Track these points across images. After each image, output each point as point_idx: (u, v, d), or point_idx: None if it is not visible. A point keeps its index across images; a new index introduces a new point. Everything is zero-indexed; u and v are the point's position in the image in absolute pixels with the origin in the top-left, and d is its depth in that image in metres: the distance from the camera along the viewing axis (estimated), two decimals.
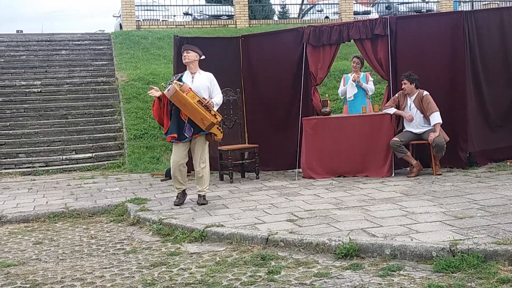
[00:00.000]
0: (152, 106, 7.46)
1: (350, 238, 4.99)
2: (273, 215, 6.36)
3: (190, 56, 7.34)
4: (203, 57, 7.52)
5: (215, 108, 7.25)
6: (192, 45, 7.67)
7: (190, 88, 7.06)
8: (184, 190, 7.44)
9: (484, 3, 26.57)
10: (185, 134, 7.11)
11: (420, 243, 4.75)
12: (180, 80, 7.25)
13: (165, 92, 7.01)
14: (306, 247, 5.10)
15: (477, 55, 8.99)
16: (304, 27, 9.91)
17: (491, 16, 9.05)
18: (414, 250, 4.67)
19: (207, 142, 7.32)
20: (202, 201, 7.31)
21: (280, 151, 9.97)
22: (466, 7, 28.31)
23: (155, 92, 7.15)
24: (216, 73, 9.98)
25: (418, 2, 28.74)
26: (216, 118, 7.12)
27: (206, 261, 5.05)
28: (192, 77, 7.34)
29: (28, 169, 11.94)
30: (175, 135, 7.10)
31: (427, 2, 28.69)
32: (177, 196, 7.46)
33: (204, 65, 9.90)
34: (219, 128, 7.29)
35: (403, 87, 8.73)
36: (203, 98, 7.13)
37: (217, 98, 7.38)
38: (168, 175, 9.54)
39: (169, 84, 7.07)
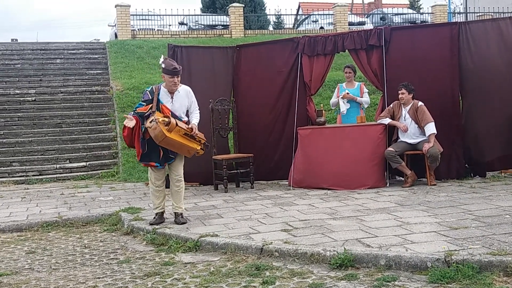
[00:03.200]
0: (123, 131, 6.67)
1: (345, 249, 4.97)
2: (268, 225, 6.34)
3: (179, 81, 6.68)
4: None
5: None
6: (179, 67, 6.77)
7: (176, 122, 6.41)
8: (162, 213, 6.88)
9: (478, 14, 26.74)
10: (170, 156, 6.61)
11: (415, 253, 4.75)
12: (158, 101, 6.55)
13: (150, 131, 6.33)
14: (300, 257, 5.08)
15: (476, 66, 8.96)
16: (299, 37, 9.93)
17: (489, 27, 9.01)
18: (409, 260, 4.66)
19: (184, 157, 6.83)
20: (181, 220, 6.71)
21: (275, 160, 9.94)
22: (460, 18, 28.50)
23: (130, 122, 6.41)
24: (211, 83, 10.08)
25: (413, 13, 28.95)
26: (201, 143, 6.66)
27: (200, 271, 5.02)
28: (171, 97, 6.65)
29: (21, 177, 11.89)
30: (154, 164, 6.59)
31: (421, 14, 28.90)
32: (155, 216, 6.84)
33: (198, 75, 9.98)
34: (202, 148, 6.75)
35: (400, 96, 8.75)
36: (189, 128, 6.54)
37: (196, 117, 6.79)
38: None
39: (152, 121, 6.30)
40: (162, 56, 6.93)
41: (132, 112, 6.64)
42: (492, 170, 9.05)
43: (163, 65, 6.68)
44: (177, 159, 6.74)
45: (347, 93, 9.61)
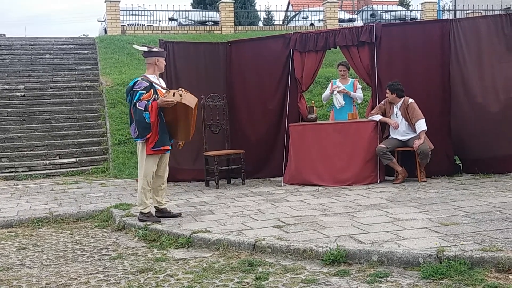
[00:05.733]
0: (151, 118, 6.41)
1: (337, 245, 4.98)
2: (260, 221, 6.34)
3: None
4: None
5: None
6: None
7: None
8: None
9: (467, 12, 26.86)
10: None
11: (407, 249, 4.77)
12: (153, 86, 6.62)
13: (186, 97, 6.46)
14: (293, 253, 5.09)
15: (466, 63, 8.99)
16: (291, 33, 9.94)
17: (480, 24, 9.02)
18: (401, 256, 4.68)
19: None
20: (176, 213, 6.94)
21: (266, 157, 9.95)
22: (449, 15, 28.63)
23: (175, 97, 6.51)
24: (202, 79, 10.06)
25: (403, 10, 29.03)
26: None
27: (192, 267, 5.01)
28: (159, 82, 6.77)
29: (11, 173, 11.80)
30: (168, 147, 6.65)
31: (411, 11, 28.98)
32: (148, 214, 6.72)
33: (190, 71, 9.96)
34: None
35: (386, 95, 8.82)
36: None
37: None
38: None
39: (176, 92, 6.53)
40: (142, 44, 6.91)
41: (146, 102, 6.41)
42: (483, 171, 8.87)
43: (155, 49, 6.78)
44: (168, 154, 6.84)
45: (338, 87, 9.59)
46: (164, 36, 19.43)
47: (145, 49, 6.73)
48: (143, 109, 6.40)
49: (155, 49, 6.79)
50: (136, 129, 6.51)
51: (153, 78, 6.69)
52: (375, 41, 9.21)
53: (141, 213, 6.73)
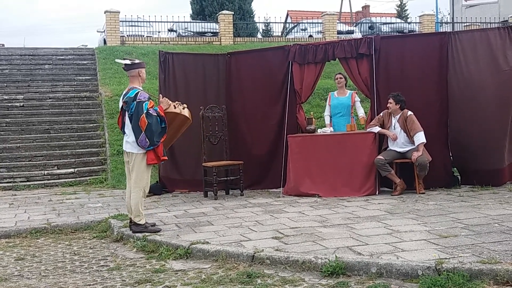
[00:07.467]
0: (165, 117, 6.66)
1: (336, 256, 4.98)
2: (259, 233, 6.34)
3: None
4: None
5: None
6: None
7: None
8: None
9: (465, 24, 27.00)
10: None
11: (406, 261, 4.77)
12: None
13: (186, 111, 7.00)
14: (292, 265, 5.09)
15: (463, 75, 9.00)
16: (290, 45, 9.98)
17: (478, 37, 9.06)
18: (400, 268, 4.69)
19: None
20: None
21: (265, 168, 9.94)
22: (447, 28, 28.76)
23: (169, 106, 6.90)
24: (202, 90, 10.10)
25: (401, 22, 29.15)
26: None
27: (191, 279, 5.01)
28: None
29: (9, 184, 11.79)
30: (166, 158, 6.89)
31: (409, 23, 29.11)
32: (146, 224, 6.78)
33: (189, 81, 10.00)
34: None
35: (388, 105, 8.83)
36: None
37: None
38: (152, 191, 9.38)
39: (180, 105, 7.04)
40: (123, 58, 6.99)
41: (153, 110, 6.55)
42: (481, 183, 8.86)
43: (136, 61, 6.86)
44: None
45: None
46: (163, 47, 19.47)
47: (128, 61, 6.76)
48: (156, 114, 6.54)
49: (137, 61, 6.87)
50: (148, 139, 6.48)
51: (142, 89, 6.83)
52: (374, 54, 9.25)
53: (137, 224, 6.71)
